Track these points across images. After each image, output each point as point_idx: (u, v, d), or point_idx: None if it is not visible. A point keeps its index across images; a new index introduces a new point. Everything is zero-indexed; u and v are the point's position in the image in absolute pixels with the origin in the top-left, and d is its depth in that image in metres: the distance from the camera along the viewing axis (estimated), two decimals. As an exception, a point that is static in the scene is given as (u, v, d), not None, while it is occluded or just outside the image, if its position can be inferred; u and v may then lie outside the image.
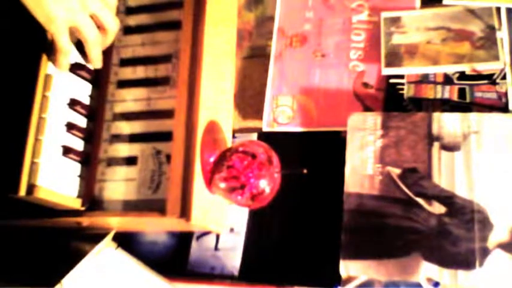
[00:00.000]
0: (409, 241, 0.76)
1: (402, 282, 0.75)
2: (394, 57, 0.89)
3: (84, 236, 0.80)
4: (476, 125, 0.80)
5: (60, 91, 0.79)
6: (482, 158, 0.78)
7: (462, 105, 0.84)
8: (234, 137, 0.91)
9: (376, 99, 0.88)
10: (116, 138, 0.83)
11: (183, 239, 0.88)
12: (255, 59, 0.97)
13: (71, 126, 0.80)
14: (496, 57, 0.84)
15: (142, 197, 0.78)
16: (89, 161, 0.82)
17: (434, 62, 0.87)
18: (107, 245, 0.78)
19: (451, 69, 0.86)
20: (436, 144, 0.81)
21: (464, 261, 0.74)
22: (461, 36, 0.87)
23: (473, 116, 0.81)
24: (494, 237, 0.74)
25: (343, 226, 0.79)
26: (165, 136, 0.79)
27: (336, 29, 0.94)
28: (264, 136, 0.90)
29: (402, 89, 0.87)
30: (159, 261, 0.86)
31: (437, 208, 0.77)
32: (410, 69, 0.87)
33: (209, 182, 0.77)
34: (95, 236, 0.78)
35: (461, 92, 0.84)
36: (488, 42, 0.85)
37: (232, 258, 0.85)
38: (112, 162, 0.82)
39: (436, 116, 0.82)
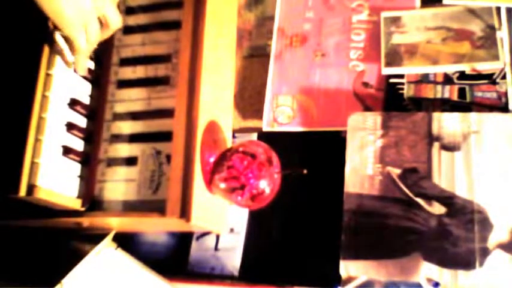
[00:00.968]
0: (409, 241, 0.76)
1: (402, 282, 0.75)
2: (394, 57, 0.89)
3: (84, 236, 0.80)
4: (476, 125, 0.80)
5: (60, 91, 0.79)
6: (482, 158, 0.78)
7: (462, 105, 0.84)
8: (234, 137, 0.91)
9: (376, 99, 0.88)
10: (116, 138, 0.83)
11: (183, 239, 0.88)
12: (255, 59, 0.97)
13: (71, 126, 0.80)
14: (496, 57, 0.84)
15: (142, 197, 0.78)
16: (89, 161, 0.82)
17: (434, 62, 0.86)
18: (107, 245, 0.78)
19: (451, 69, 0.86)
20: (436, 144, 0.81)
21: (464, 261, 0.74)
22: (461, 36, 0.87)
23: (473, 116, 0.81)
24: (494, 238, 0.74)
25: (343, 226, 0.80)
26: (165, 136, 0.79)
27: (336, 29, 0.94)
28: (264, 136, 0.90)
29: (402, 89, 0.87)
30: (159, 261, 0.86)
31: (437, 208, 0.77)
32: (410, 69, 0.87)
33: (209, 183, 0.77)
34: (95, 237, 0.78)
35: (461, 92, 0.84)
36: (488, 42, 0.85)
37: (232, 258, 0.85)
38: (112, 162, 0.82)
39: (436, 115, 0.82)
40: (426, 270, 0.74)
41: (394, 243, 0.77)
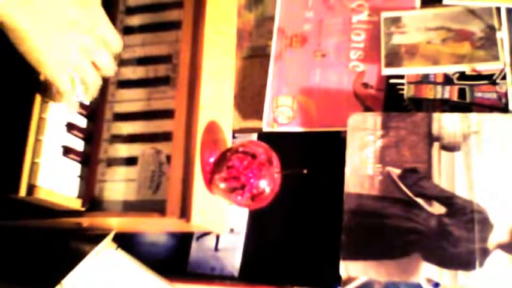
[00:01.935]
0: (409, 242, 0.76)
1: (402, 282, 0.75)
2: (394, 57, 0.89)
3: (84, 236, 0.80)
4: (476, 125, 0.80)
5: (60, 91, 0.79)
6: (482, 158, 0.78)
7: (462, 106, 0.84)
8: (234, 137, 0.91)
9: (376, 99, 0.88)
10: (116, 138, 0.83)
11: (183, 240, 0.88)
12: (255, 59, 0.97)
13: (71, 127, 0.80)
14: (496, 57, 0.84)
15: (142, 197, 0.78)
16: (89, 162, 0.82)
17: (434, 62, 0.86)
18: (107, 245, 0.78)
19: (451, 69, 0.86)
20: (436, 145, 0.81)
21: (464, 261, 0.74)
22: (461, 36, 0.87)
23: (473, 116, 0.81)
24: (494, 238, 0.74)
25: (343, 226, 0.80)
26: (165, 136, 0.79)
27: (336, 29, 0.94)
28: (264, 136, 0.90)
29: (402, 89, 0.87)
30: (159, 261, 0.86)
31: (437, 208, 0.77)
32: (410, 69, 0.87)
33: (209, 183, 0.77)
34: (95, 237, 0.78)
35: (461, 92, 0.84)
36: (488, 42, 0.85)
37: (232, 259, 0.85)
38: (112, 162, 0.81)
39: (436, 116, 0.82)
40: (426, 270, 0.74)
41: (394, 243, 0.77)
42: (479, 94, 0.83)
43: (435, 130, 0.81)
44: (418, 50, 0.88)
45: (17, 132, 0.75)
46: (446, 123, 0.81)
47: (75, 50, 0.71)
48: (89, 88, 0.75)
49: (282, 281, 0.82)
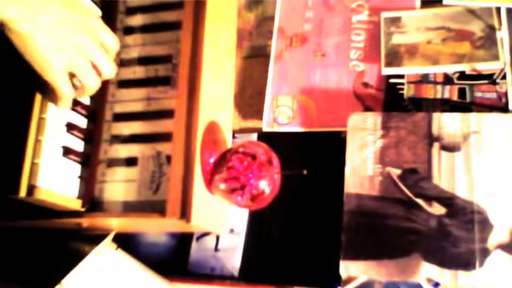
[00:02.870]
0: (409, 242, 0.76)
1: (402, 282, 0.76)
2: (394, 57, 0.89)
3: (84, 237, 0.80)
4: (476, 125, 0.80)
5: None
6: (482, 158, 0.78)
7: (462, 105, 0.84)
8: (234, 137, 0.91)
9: (376, 99, 0.88)
10: (116, 138, 0.83)
11: (183, 240, 0.88)
12: (255, 59, 0.97)
13: (71, 127, 0.80)
14: (496, 57, 0.84)
15: (142, 198, 0.78)
16: (89, 162, 0.82)
17: (434, 62, 0.86)
18: (107, 246, 0.78)
19: (451, 69, 0.86)
20: (436, 145, 0.81)
21: (464, 261, 0.74)
22: (461, 36, 0.87)
23: (473, 116, 0.81)
24: (494, 238, 0.74)
25: (343, 226, 0.80)
26: (165, 137, 0.79)
27: (336, 29, 0.94)
28: (264, 136, 0.90)
29: (402, 89, 0.87)
30: (159, 262, 0.86)
31: (438, 209, 0.77)
32: (410, 69, 0.87)
33: (209, 183, 0.77)
34: (95, 237, 0.78)
35: (461, 92, 0.84)
36: (488, 42, 0.85)
37: (232, 259, 0.85)
38: (112, 163, 0.82)
39: (436, 116, 0.82)
40: (426, 270, 0.74)
41: (394, 243, 0.77)
42: (479, 94, 0.83)
43: (435, 130, 0.81)
44: (418, 49, 0.88)
45: (17, 132, 0.75)
46: (446, 123, 0.81)
47: (77, 54, 0.71)
48: (87, 91, 0.75)
49: (282, 281, 0.82)
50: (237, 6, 0.97)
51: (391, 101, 0.87)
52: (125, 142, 0.82)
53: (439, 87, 0.86)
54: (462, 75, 0.85)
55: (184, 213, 0.73)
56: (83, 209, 0.79)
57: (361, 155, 0.83)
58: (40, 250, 0.81)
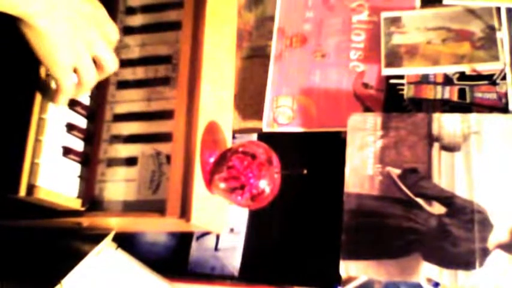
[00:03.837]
0: (409, 241, 0.76)
1: (402, 282, 0.75)
2: (394, 58, 0.89)
3: (84, 236, 0.80)
4: (476, 126, 0.80)
5: (60, 91, 0.79)
6: (482, 158, 0.78)
7: (462, 106, 0.84)
8: (234, 137, 0.91)
9: (376, 99, 0.88)
10: (116, 138, 0.83)
11: (183, 240, 0.88)
12: (255, 59, 0.97)
13: (71, 127, 0.80)
14: (496, 58, 0.84)
15: (142, 197, 0.78)
16: (89, 162, 0.82)
17: (434, 62, 0.87)
18: (107, 245, 0.78)
19: (451, 69, 0.86)
20: (436, 145, 0.81)
21: (464, 261, 0.74)
22: (461, 37, 0.87)
23: (473, 117, 0.81)
24: (494, 238, 0.74)
25: (343, 226, 0.80)
26: (165, 137, 0.79)
27: (336, 29, 0.94)
28: (264, 136, 0.90)
29: (402, 90, 0.87)
30: (159, 261, 0.86)
31: (437, 208, 0.77)
32: (410, 70, 0.87)
33: (209, 183, 0.77)
34: (95, 237, 0.78)
35: (461, 93, 0.84)
36: (488, 43, 0.85)
37: (232, 259, 0.85)
38: (112, 162, 0.82)
39: (436, 116, 0.82)
40: (426, 270, 0.74)
41: (394, 243, 0.77)
42: (479, 94, 0.83)
43: (435, 130, 0.81)
44: (418, 50, 0.88)
45: (17, 132, 0.75)
46: (446, 124, 0.81)
47: (84, 50, 0.71)
48: (83, 88, 0.75)
49: (282, 281, 0.82)
50: (237, 6, 0.97)
51: (391, 101, 0.87)
52: (125, 142, 0.82)
53: (439, 87, 0.86)
54: (462, 76, 0.85)
55: (184, 212, 0.73)
56: (82, 209, 0.79)
57: (361, 155, 0.83)
58: (40, 250, 0.81)
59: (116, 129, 0.83)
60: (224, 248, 0.86)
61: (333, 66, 0.92)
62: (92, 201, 0.80)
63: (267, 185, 0.74)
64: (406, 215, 0.78)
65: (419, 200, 0.78)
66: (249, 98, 0.94)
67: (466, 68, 0.85)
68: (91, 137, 0.83)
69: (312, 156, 0.87)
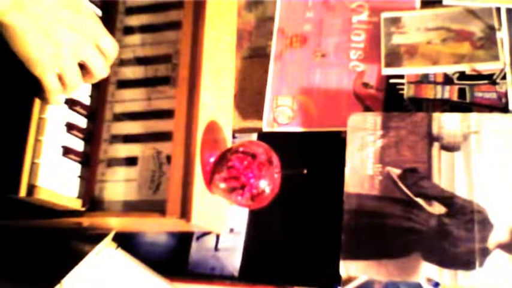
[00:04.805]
0: (409, 241, 0.76)
1: (402, 282, 0.76)
2: (394, 58, 0.89)
3: (84, 236, 0.80)
4: (476, 125, 0.80)
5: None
6: (482, 158, 0.78)
7: (462, 105, 0.84)
8: (234, 137, 0.91)
9: (376, 99, 0.88)
10: (116, 138, 0.83)
11: (183, 240, 0.88)
12: (255, 59, 0.97)
13: (71, 127, 0.80)
14: (496, 57, 0.84)
15: (142, 197, 0.78)
16: (89, 162, 0.82)
17: (434, 62, 0.87)
18: (107, 245, 0.78)
19: (451, 69, 0.86)
20: (436, 145, 0.81)
21: (464, 261, 0.74)
22: (461, 37, 0.87)
23: (473, 116, 0.81)
24: (494, 238, 0.74)
25: (343, 226, 0.80)
26: (165, 136, 0.79)
27: (336, 29, 0.94)
28: (264, 136, 0.90)
29: (402, 89, 0.87)
30: (159, 261, 0.86)
31: (437, 208, 0.77)
32: (410, 69, 0.87)
33: (209, 182, 0.77)
34: (95, 237, 0.78)
35: (461, 92, 0.84)
36: (488, 42, 0.85)
37: (232, 259, 0.85)
38: (112, 162, 0.81)
39: (436, 116, 0.82)
40: (426, 270, 0.74)
41: (394, 243, 0.77)
42: (479, 94, 0.84)
43: (435, 130, 0.81)
44: (418, 50, 0.88)
45: (17, 132, 0.75)
46: (446, 123, 0.81)
47: (66, 50, 0.70)
48: (68, 89, 0.75)
49: (282, 281, 0.82)
50: (237, 6, 0.97)
51: (391, 101, 0.87)
52: (125, 142, 0.82)
53: (439, 87, 0.86)
54: (462, 76, 0.85)
55: (184, 212, 0.73)
56: (83, 209, 0.79)
57: (361, 155, 0.83)
58: (40, 250, 0.81)
59: (116, 129, 0.83)
60: (224, 248, 0.86)
61: (333, 66, 0.92)
62: (92, 201, 0.80)
63: (267, 185, 0.74)
64: (406, 215, 0.78)
65: (419, 200, 0.78)
66: (249, 98, 0.94)
67: (466, 68, 0.85)
68: (91, 136, 0.83)
69: (312, 156, 0.87)
